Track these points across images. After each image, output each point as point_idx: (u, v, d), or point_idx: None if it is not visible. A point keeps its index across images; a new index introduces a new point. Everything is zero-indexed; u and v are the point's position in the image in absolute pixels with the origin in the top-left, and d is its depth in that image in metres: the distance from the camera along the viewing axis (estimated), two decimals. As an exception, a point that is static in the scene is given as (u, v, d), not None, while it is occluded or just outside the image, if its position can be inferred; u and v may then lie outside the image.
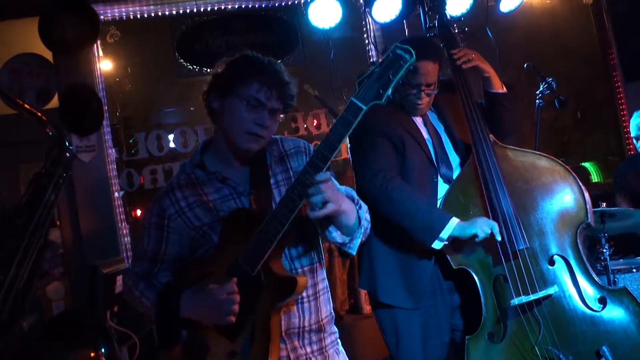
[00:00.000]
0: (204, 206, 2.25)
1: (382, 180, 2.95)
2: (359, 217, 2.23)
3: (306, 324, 2.25)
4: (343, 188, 2.29)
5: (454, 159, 3.17)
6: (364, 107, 1.95)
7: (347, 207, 2.13)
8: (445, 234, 2.83)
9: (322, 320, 2.30)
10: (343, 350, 2.40)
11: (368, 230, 2.34)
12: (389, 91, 1.94)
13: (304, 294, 2.25)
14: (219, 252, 2.19)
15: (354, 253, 2.23)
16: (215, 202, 2.25)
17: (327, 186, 2.00)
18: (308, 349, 2.26)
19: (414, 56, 1.95)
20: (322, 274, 2.36)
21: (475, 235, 2.80)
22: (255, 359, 2.07)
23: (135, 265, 2.36)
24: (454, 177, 3.10)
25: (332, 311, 2.40)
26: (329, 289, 2.40)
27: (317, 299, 2.30)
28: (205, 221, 2.24)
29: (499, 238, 2.80)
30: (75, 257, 5.17)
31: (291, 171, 2.33)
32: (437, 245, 2.86)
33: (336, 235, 2.17)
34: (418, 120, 3.16)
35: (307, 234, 2.27)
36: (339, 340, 2.40)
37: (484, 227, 2.80)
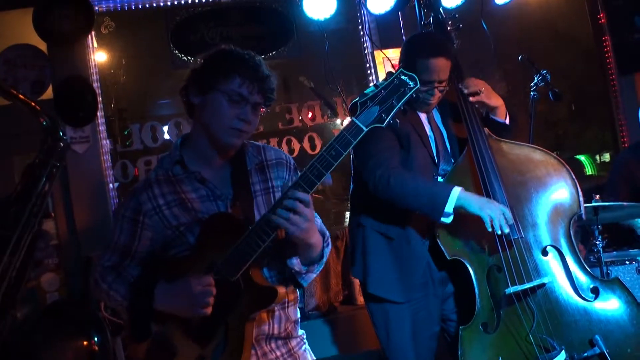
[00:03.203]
0: (182, 205, 2.22)
1: (384, 170, 2.94)
2: (322, 253, 2.24)
3: (275, 331, 2.26)
4: (318, 222, 2.28)
5: (455, 153, 3.19)
6: (365, 129, 1.97)
7: (315, 242, 2.14)
8: (450, 206, 2.82)
9: (288, 328, 2.31)
10: (309, 349, 2.41)
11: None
12: (391, 117, 1.97)
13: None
14: (196, 253, 2.16)
15: (305, 285, 2.25)
16: (193, 202, 2.23)
17: (303, 209, 1.99)
18: (277, 353, 2.27)
19: (418, 84, 1.98)
20: (292, 287, 2.35)
21: (479, 217, 2.80)
22: None
23: (104, 258, 2.32)
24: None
25: (298, 317, 2.40)
26: (298, 299, 2.40)
27: (286, 309, 2.31)
28: (182, 221, 2.21)
29: (506, 231, 2.79)
30: (70, 248, 5.15)
31: (270, 182, 2.31)
32: (445, 219, 2.85)
33: (295, 263, 2.18)
34: (423, 117, 3.17)
35: (280, 248, 2.24)
36: (305, 340, 2.41)
37: (490, 213, 2.78)
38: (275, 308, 2.25)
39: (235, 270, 2.04)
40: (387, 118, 1.97)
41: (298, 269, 2.19)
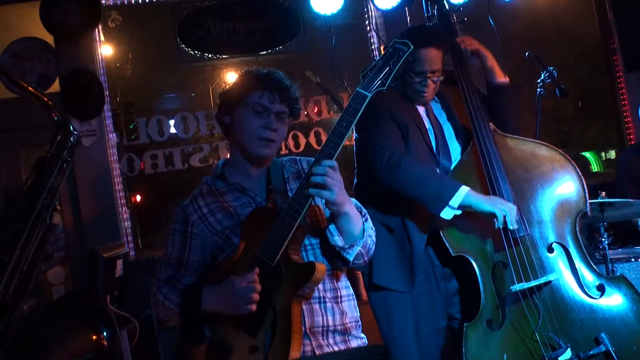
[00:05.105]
0: (225, 211, 2.35)
1: (392, 152, 2.94)
2: (363, 229, 2.28)
3: (330, 323, 2.28)
4: (353, 200, 2.34)
5: (456, 148, 3.17)
6: (369, 95, 2.12)
7: (351, 212, 2.21)
8: (455, 201, 2.82)
9: (346, 324, 2.34)
10: None
11: (371, 249, 2.36)
12: (390, 80, 2.14)
13: (326, 295, 2.29)
14: (240, 251, 2.25)
15: (350, 260, 2.26)
16: (235, 208, 2.35)
17: (333, 174, 2.10)
18: (335, 348, 2.28)
19: (412, 47, 2.15)
20: (344, 282, 2.41)
21: (492, 215, 2.79)
22: (277, 351, 2.09)
23: (160, 272, 2.43)
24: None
25: (359, 319, 2.43)
26: (354, 297, 2.44)
27: (340, 303, 2.34)
28: (226, 225, 2.32)
29: (513, 226, 2.79)
30: (76, 242, 5.18)
31: None
32: (447, 214, 2.83)
33: (337, 239, 2.23)
34: (421, 110, 3.16)
35: (326, 240, 2.28)
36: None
37: (503, 208, 2.78)
38: (327, 299, 2.29)
39: (274, 254, 2.13)
40: (387, 81, 2.14)
41: (341, 244, 2.23)
